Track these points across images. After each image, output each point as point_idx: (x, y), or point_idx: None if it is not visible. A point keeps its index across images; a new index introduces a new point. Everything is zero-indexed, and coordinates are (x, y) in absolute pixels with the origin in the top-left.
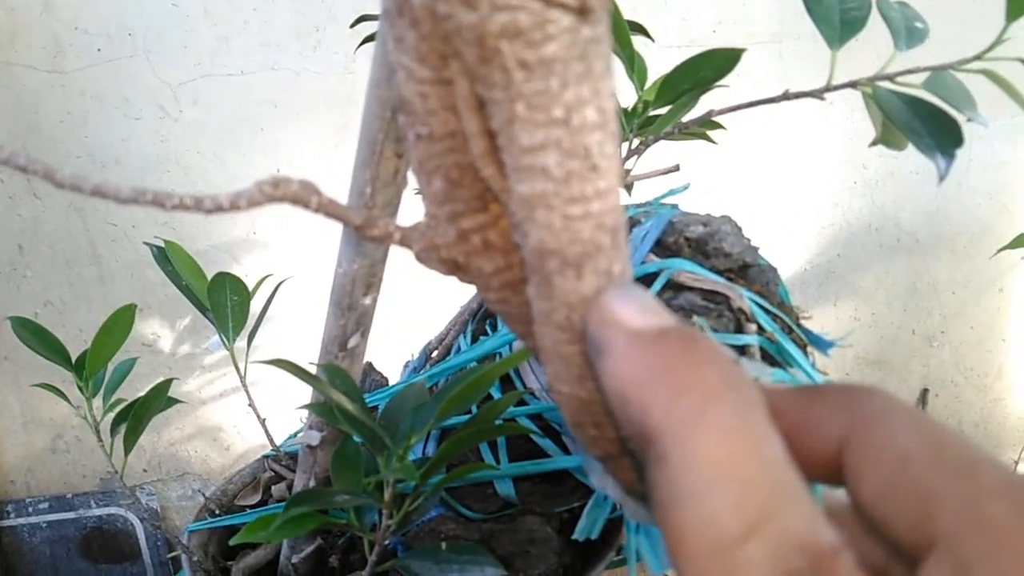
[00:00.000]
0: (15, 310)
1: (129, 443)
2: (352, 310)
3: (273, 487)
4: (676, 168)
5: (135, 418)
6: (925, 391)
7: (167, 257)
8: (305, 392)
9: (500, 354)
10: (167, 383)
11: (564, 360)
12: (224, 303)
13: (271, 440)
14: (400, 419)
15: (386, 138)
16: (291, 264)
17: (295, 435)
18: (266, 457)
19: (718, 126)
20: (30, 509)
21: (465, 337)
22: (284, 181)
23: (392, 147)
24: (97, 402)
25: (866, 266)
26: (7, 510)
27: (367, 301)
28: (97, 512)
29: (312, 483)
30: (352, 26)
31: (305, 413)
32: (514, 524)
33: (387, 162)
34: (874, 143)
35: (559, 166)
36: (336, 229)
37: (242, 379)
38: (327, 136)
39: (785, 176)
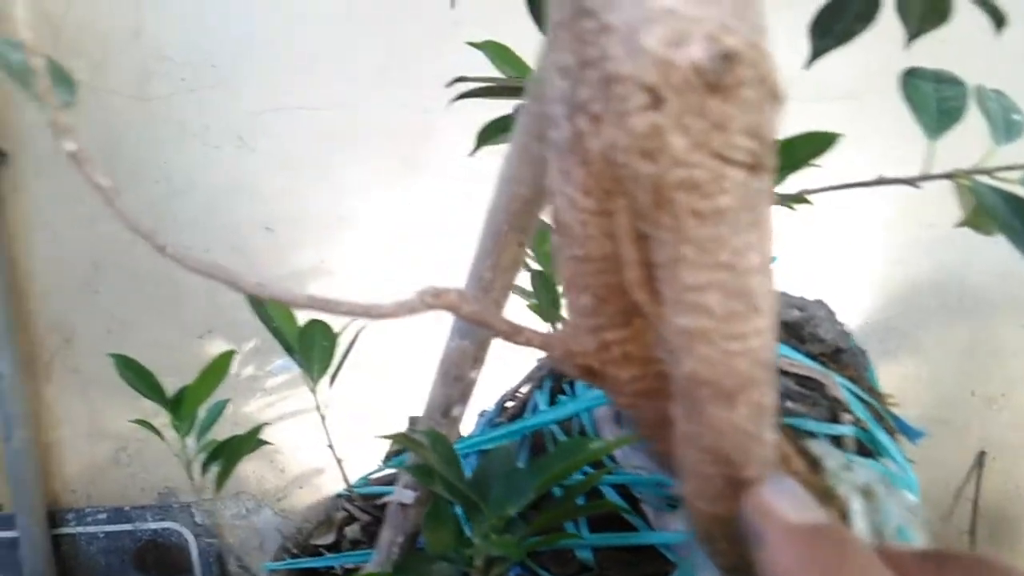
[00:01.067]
0: (87, 326)
1: (221, 482)
2: (459, 381)
3: (347, 528)
4: None
5: (227, 460)
6: (982, 454)
7: (259, 301)
8: (375, 431)
9: (580, 418)
10: (259, 428)
11: (705, 480)
12: (312, 347)
13: (346, 480)
14: (491, 483)
15: (510, 229)
16: (354, 293)
17: (368, 476)
18: (339, 496)
19: (807, 202)
20: (88, 519)
21: (542, 392)
22: (444, 292)
23: (515, 237)
24: (189, 440)
25: (928, 324)
26: (67, 518)
27: (474, 375)
28: (153, 525)
29: (400, 539)
30: (448, 86)
31: (379, 454)
32: None
33: (508, 251)
34: (960, 225)
35: (722, 305)
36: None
37: (322, 419)
38: (392, 171)
39: (848, 228)
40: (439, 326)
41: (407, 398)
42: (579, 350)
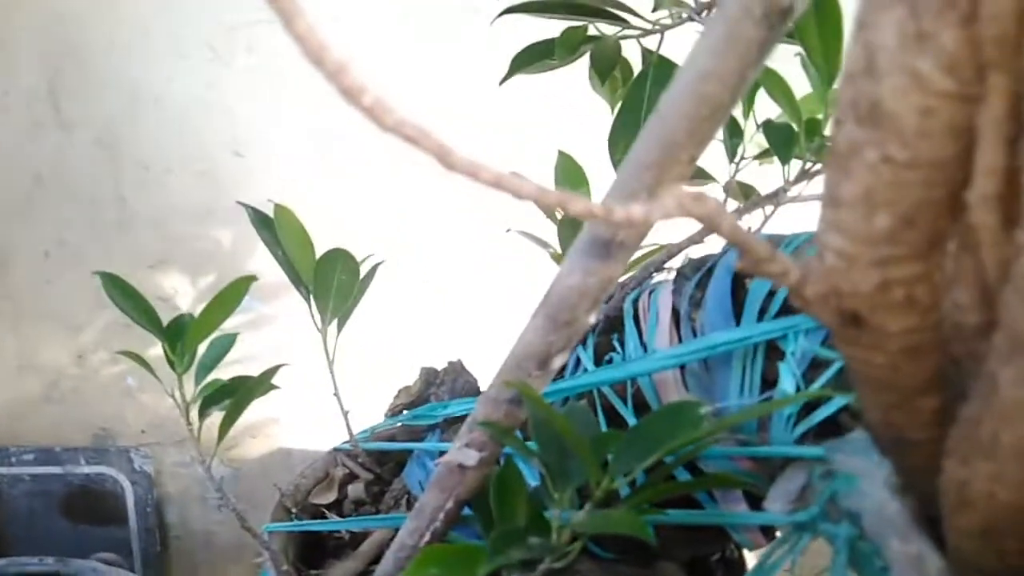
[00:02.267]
0: (26, 245)
1: (225, 429)
2: (568, 327)
3: (349, 487)
4: None
5: (235, 405)
6: None
7: (268, 221)
8: (373, 386)
9: (638, 382)
10: (274, 370)
11: (1020, 460)
12: (331, 281)
13: (351, 434)
14: (569, 450)
15: (688, 140)
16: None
17: (373, 430)
18: (337, 451)
19: None
20: (13, 459)
21: (585, 350)
22: (704, 199)
23: (690, 150)
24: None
25: None
26: None
27: (589, 320)
28: (86, 470)
29: (451, 504)
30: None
31: (382, 407)
32: (650, 569)
33: (677, 167)
34: None
35: None
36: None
37: (330, 365)
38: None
39: None
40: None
41: (415, 346)
42: (849, 289)
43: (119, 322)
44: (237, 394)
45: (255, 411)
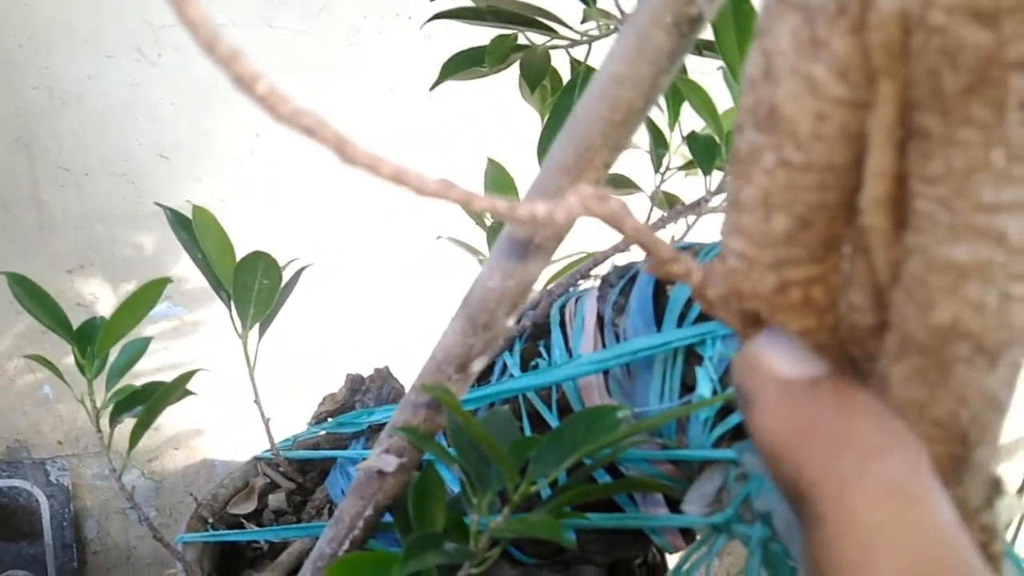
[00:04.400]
0: None
1: (136, 438)
2: (487, 330)
3: (270, 496)
4: None
5: (148, 411)
6: None
7: (187, 223)
8: (297, 394)
9: (562, 387)
10: (189, 375)
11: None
12: (251, 286)
13: (272, 442)
14: (487, 455)
15: (603, 144)
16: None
17: (296, 439)
18: (259, 459)
19: None
20: None
21: (512, 356)
22: (606, 197)
23: (604, 155)
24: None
25: None
26: None
27: (508, 323)
28: None
29: (369, 512)
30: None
31: (305, 415)
32: (572, 572)
33: (592, 171)
34: None
35: (1021, 234)
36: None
37: (251, 371)
38: (320, 106)
39: None
40: (371, 283)
41: (339, 352)
42: (749, 290)
43: (35, 328)
44: (150, 400)
45: (177, 422)
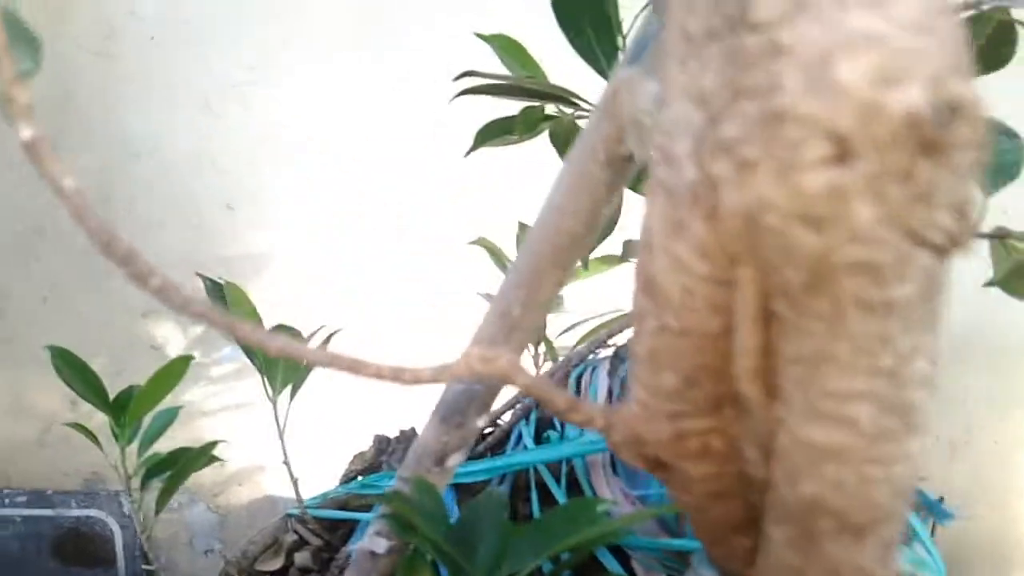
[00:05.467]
0: (22, 292)
1: (163, 500)
2: (460, 429)
3: (296, 554)
4: None
5: (174, 478)
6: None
7: (223, 295)
8: (334, 447)
9: (572, 462)
10: (212, 445)
11: None
12: (278, 358)
13: (299, 499)
14: (479, 539)
15: (551, 266)
16: (315, 283)
17: (325, 496)
18: (289, 516)
19: None
20: (5, 501)
21: (528, 426)
22: (494, 358)
23: (554, 275)
24: (131, 450)
25: None
26: None
27: (478, 424)
28: (76, 513)
29: None
30: (456, 79)
31: (336, 471)
32: None
33: (544, 289)
34: (990, 284)
35: (872, 421)
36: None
37: (280, 433)
38: (369, 160)
39: None
40: (411, 337)
41: (371, 413)
42: (650, 437)
43: (109, 369)
44: (175, 468)
45: (240, 459)
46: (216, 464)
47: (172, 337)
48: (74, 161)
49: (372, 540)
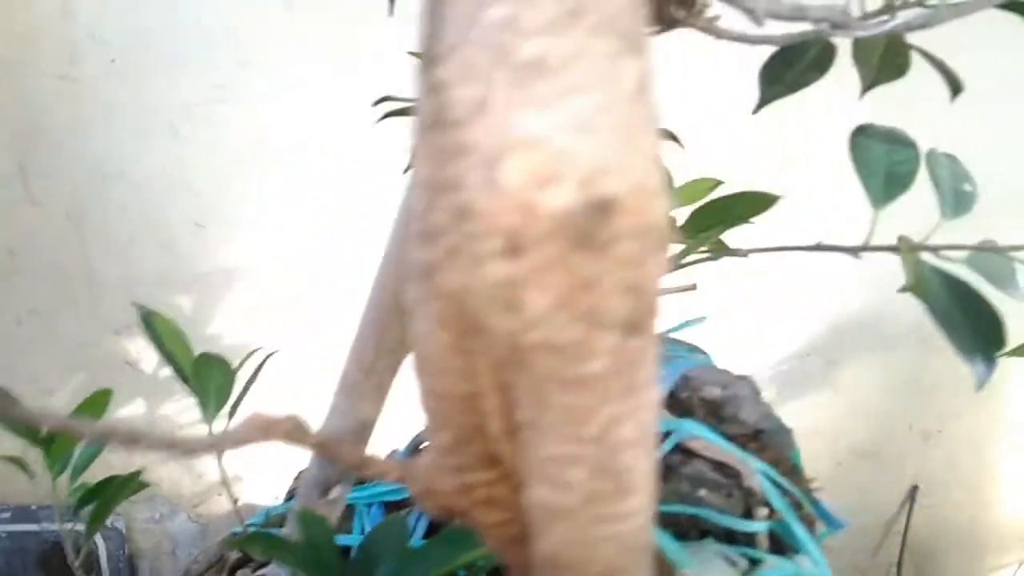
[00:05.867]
0: (0, 314)
1: (92, 528)
2: (340, 460)
3: (239, 572)
4: (693, 287)
5: (101, 506)
6: (915, 488)
7: (153, 323)
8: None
9: None
10: (138, 473)
11: None
12: (208, 382)
13: (241, 519)
14: (377, 563)
15: (396, 307)
16: (283, 300)
17: (267, 514)
18: (234, 535)
19: (744, 254)
20: None
21: None
22: (276, 422)
23: (401, 315)
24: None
25: (868, 357)
26: None
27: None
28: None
29: None
30: (375, 104)
31: (280, 489)
32: None
33: (393, 331)
34: (904, 290)
35: (586, 484)
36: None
37: (218, 457)
38: (332, 179)
39: (791, 257)
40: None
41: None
42: (440, 488)
43: (89, 386)
44: (102, 495)
45: (218, 469)
46: (196, 475)
47: (146, 354)
48: (48, 187)
49: (273, 570)
